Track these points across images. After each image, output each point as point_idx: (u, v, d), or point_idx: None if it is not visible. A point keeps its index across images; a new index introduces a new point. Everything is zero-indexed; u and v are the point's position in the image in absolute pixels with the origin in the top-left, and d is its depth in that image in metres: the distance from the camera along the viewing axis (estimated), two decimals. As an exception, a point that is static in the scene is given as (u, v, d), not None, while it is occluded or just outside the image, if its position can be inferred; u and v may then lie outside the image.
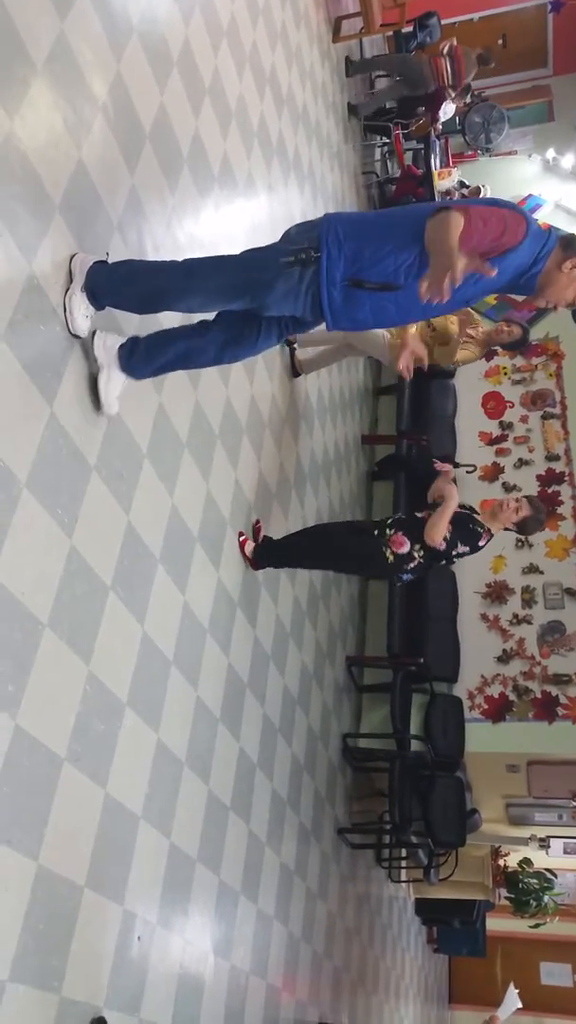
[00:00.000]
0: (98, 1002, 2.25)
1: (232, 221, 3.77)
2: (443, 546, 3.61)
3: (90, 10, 2.53)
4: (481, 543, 3.67)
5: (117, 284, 2.39)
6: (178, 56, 3.25)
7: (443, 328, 4.84)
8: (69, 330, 2.31)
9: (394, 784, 5.26)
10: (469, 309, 4.67)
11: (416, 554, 3.67)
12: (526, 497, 3.74)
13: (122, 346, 2.49)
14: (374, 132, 7.92)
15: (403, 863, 6.61)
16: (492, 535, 3.71)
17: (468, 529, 3.68)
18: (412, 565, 3.70)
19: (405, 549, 3.65)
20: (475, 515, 3.74)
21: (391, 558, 3.67)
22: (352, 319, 2.43)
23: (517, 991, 2.60)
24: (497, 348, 5.44)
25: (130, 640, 2.59)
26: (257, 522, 3.85)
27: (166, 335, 2.60)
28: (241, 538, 3.64)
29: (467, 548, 3.66)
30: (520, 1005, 2.36)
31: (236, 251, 2.51)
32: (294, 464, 4.70)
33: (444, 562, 3.79)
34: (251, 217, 4.07)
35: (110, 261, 2.43)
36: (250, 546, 3.68)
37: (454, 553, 3.68)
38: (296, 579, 4.53)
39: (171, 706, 2.82)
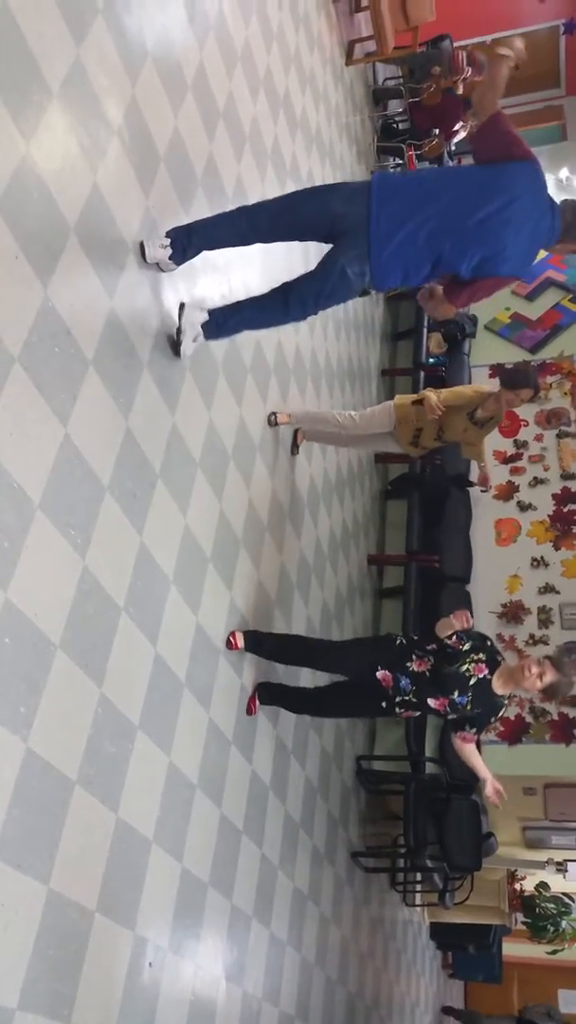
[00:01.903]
0: (108, 1030, 2.22)
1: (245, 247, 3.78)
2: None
3: (105, 35, 2.56)
4: (501, 714, 3.44)
5: (232, 330, 3.05)
6: (192, 80, 3.27)
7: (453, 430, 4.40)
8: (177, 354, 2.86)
9: (409, 807, 5.20)
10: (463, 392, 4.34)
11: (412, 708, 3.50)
12: (548, 658, 3.33)
13: (208, 323, 2.89)
14: (387, 153, 7.96)
15: (418, 887, 6.52)
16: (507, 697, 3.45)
17: (490, 701, 3.38)
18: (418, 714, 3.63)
19: (416, 715, 3.62)
20: (494, 666, 3.39)
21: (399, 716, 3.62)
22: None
23: None
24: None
25: (142, 662, 2.57)
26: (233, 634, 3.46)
27: (253, 317, 3.00)
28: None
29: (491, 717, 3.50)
30: None
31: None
32: (307, 483, 4.69)
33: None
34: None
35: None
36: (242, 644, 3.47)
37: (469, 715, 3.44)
38: (309, 602, 4.51)
39: (183, 728, 2.80)
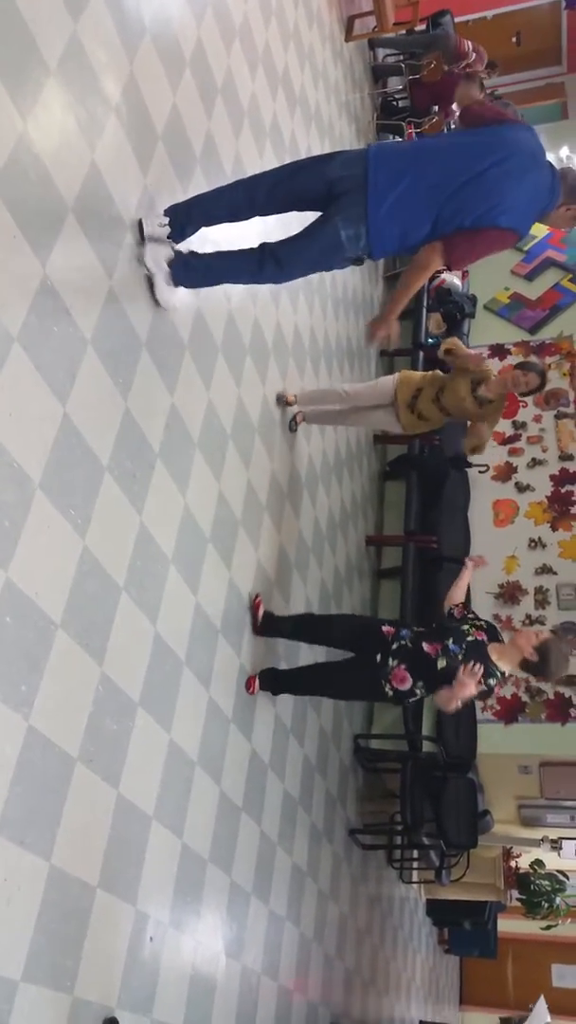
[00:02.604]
0: (111, 1002, 2.25)
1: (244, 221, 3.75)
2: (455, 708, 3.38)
3: (103, 11, 2.54)
4: (492, 682, 3.35)
5: (200, 278, 2.96)
6: (191, 56, 3.24)
7: (457, 407, 4.35)
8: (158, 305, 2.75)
9: (406, 785, 5.24)
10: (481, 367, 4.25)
11: (418, 690, 3.45)
12: (551, 630, 3.40)
13: (174, 261, 2.81)
14: (387, 131, 7.90)
15: (414, 864, 6.59)
16: (504, 677, 3.40)
17: (483, 659, 3.32)
18: (413, 700, 3.56)
19: (407, 686, 3.42)
20: (494, 639, 3.45)
21: (391, 693, 3.45)
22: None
23: (546, 1004, 2.58)
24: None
25: (142, 641, 2.59)
26: (256, 597, 3.68)
27: (222, 265, 2.94)
28: (256, 599, 3.60)
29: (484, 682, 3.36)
30: (548, 1019, 2.33)
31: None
32: (306, 464, 4.69)
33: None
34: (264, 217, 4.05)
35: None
36: (263, 611, 3.63)
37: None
38: (308, 582, 4.53)
39: (183, 707, 2.82)
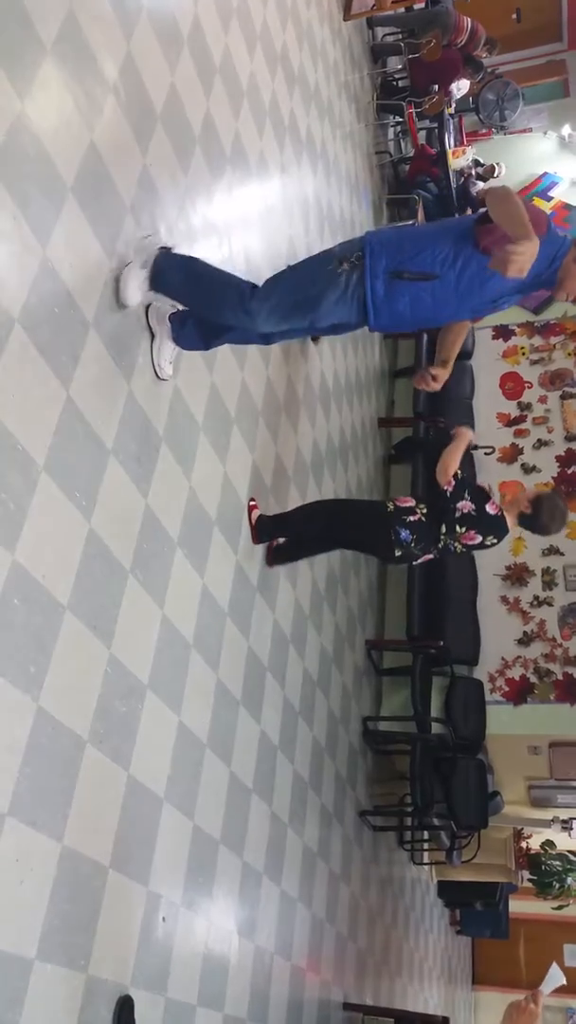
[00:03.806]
0: (124, 980, 2.27)
1: (245, 201, 3.74)
2: (451, 485, 3.48)
3: (99, -11, 2.51)
4: (490, 510, 3.47)
5: (180, 282, 2.66)
6: (188, 35, 3.21)
7: None
8: (118, 300, 2.48)
9: (415, 767, 5.25)
10: None
11: (419, 510, 3.55)
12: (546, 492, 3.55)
13: (173, 316, 2.73)
14: (387, 111, 7.83)
15: (425, 845, 6.62)
16: (502, 514, 3.53)
17: (476, 489, 3.55)
18: (412, 519, 3.53)
19: (409, 504, 3.56)
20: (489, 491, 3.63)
21: (391, 507, 3.55)
22: (392, 312, 2.57)
23: (559, 967, 2.61)
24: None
25: (150, 623, 2.59)
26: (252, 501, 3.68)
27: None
28: (251, 503, 3.62)
29: (472, 507, 3.48)
30: (564, 980, 2.36)
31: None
32: (311, 447, 4.68)
33: (448, 525, 3.53)
34: (265, 197, 4.04)
35: (175, 251, 2.68)
36: (256, 514, 3.63)
37: (457, 508, 3.48)
38: (315, 561, 4.52)
39: (192, 689, 2.83)
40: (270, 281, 2.66)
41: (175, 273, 2.62)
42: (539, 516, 3.47)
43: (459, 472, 3.57)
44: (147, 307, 2.68)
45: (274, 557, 3.74)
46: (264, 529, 3.63)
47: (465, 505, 3.50)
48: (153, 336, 2.70)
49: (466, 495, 3.52)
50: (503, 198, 2.32)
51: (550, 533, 3.65)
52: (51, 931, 1.95)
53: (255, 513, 3.62)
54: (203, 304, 2.69)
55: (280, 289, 2.61)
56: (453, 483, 3.52)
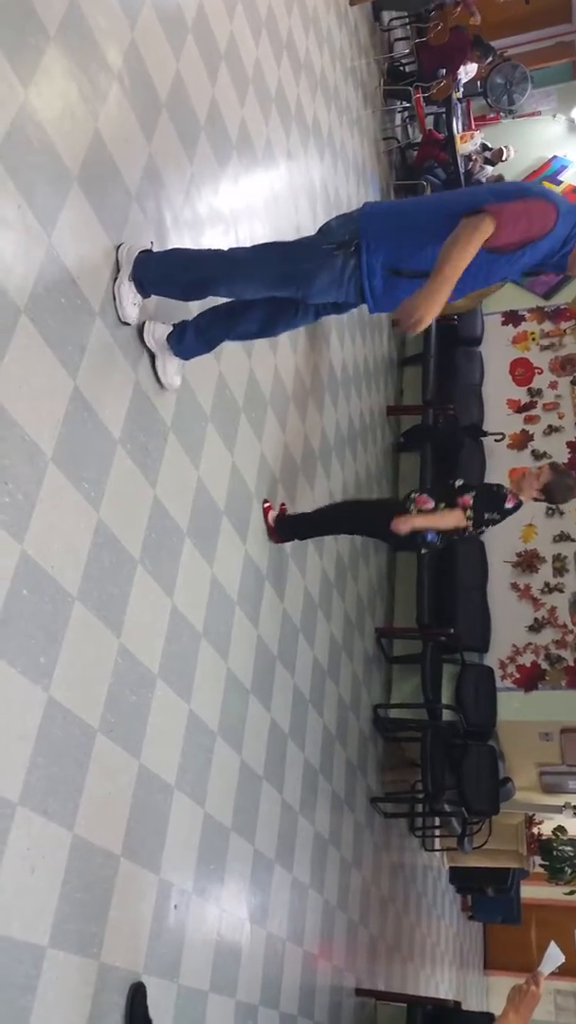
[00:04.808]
0: (137, 968, 2.28)
1: (252, 189, 3.72)
2: (468, 524, 3.57)
3: (102, -25, 2.49)
4: (509, 505, 3.54)
5: (163, 274, 2.53)
6: (193, 22, 3.19)
7: None
8: (119, 318, 2.45)
9: (426, 753, 5.26)
10: None
11: (440, 509, 3.61)
12: (549, 464, 3.59)
13: (170, 335, 2.65)
14: (394, 97, 7.77)
15: (436, 832, 6.64)
16: (520, 501, 3.58)
17: (492, 495, 3.59)
18: (431, 542, 3.64)
19: (429, 506, 3.60)
20: (500, 486, 3.65)
21: (412, 508, 3.61)
22: (393, 300, 2.47)
23: (558, 946, 2.60)
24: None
25: (159, 613, 2.59)
26: (282, 505, 3.83)
27: (210, 319, 2.74)
28: (265, 505, 3.64)
29: (496, 515, 3.56)
30: (563, 959, 2.36)
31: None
32: (319, 436, 4.67)
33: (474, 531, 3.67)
34: (271, 184, 4.02)
35: (155, 250, 2.56)
36: (273, 515, 3.67)
37: (485, 519, 3.57)
38: (324, 551, 4.52)
39: (202, 678, 2.84)
40: (264, 244, 2.62)
41: (157, 268, 2.51)
42: (553, 499, 3.55)
43: (473, 492, 3.58)
44: (140, 328, 2.59)
45: (279, 534, 3.73)
46: (285, 530, 3.70)
47: (490, 517, 3.59)
48: (154, 357, 2.65)
49: (488, 512, 3.57)
50: (462, 240, 2.18)
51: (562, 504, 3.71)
52: (63, 919, 1.96)
53: (271, 514, 3.65)
54: (193, 286, 2.58)
55: (272, 252, 2.54)
56: (470, 504, 3.56)
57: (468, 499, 3.55)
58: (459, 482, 3.66)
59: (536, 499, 3.58)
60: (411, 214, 2.46)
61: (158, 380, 2.68)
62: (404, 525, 3.53)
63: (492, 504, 3.57)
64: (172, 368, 2.73)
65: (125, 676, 2.34)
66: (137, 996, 2.22)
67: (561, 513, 6.61)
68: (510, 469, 7.00)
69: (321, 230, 2.47)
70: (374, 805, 5.16)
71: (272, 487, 3.75)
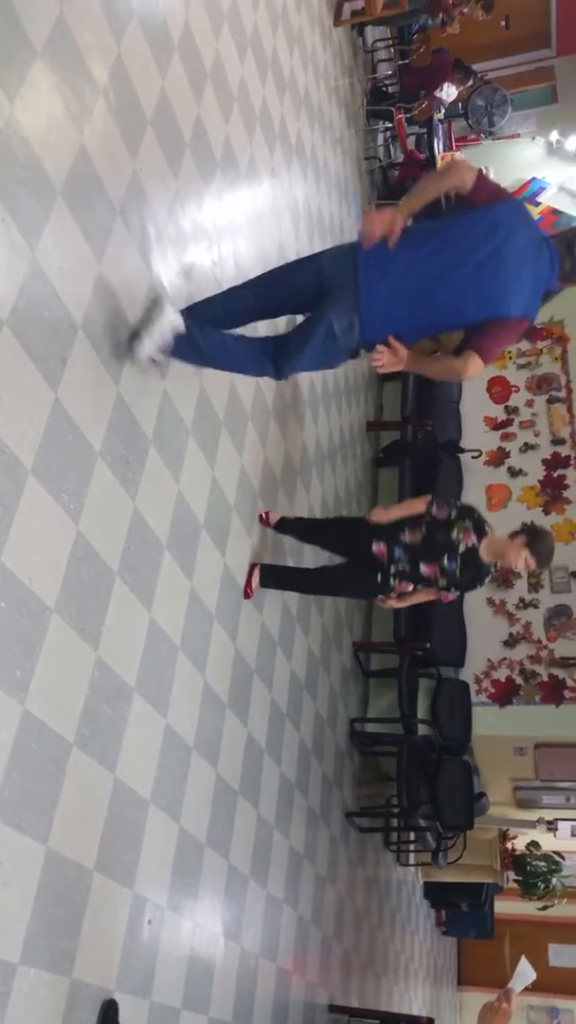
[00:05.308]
0: (109, 984, 2.27)
1: (235, 206, 3.75)
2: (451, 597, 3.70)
3: (89, -7, 2.51)
4: (486, 580, 3.68)
5: (198, 359, 2.84)
6: (179, 40, 3.22)
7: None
8: (132, 359, 2.59)
9: (402, 768, 5.28)
10: None
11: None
12: (521, 533, 3.49)
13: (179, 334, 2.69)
14: (376, 117, 7.86)
15: (411, 847, 6.64)
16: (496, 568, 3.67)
17: (477, 568, 3.55)
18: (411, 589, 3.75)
19: (409, 589, 3.71)
20: (481, 544, 3.54)
21: (393, 590, 3.72)
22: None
23: (529, 962, 2.59)
24: None
25: (137, 625, 2.59)
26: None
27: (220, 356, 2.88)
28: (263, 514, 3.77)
29: (476, 584, 3.65)
30: (534, 976, 2.36)
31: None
32: (299, 451, 4.69)
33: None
34: (255, 202, 4.05)
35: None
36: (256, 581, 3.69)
37: (461, 583, 3.62)
38: (302, 564, 4.53)
39: (179, 691, 2.83)
40: (285, 359, 2.82)
41: (192, 354, 2.78)
42: (543, 563, 3.52)
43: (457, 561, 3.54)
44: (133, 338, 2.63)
45: (262, 580, 3.74)
46: (266, 578, 3.73)
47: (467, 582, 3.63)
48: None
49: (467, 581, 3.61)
50: (447, 372, 2.93)
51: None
52: (35, 934, 1.95)
53: (255, 579, 3.66)
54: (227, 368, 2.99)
55: (301, 364, 2.89)
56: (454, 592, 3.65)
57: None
58: (441, 580, 3.60)
59: (529, 568, 3.54)
60: (409, 295, 2.66)
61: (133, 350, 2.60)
62: (384, 605, 3.73)
63: (476, 578, 3.60)
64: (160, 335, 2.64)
65: (102, 689, 2.33)
66: (109, 1013, 2.21)
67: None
68: (488, 485, 7.10)
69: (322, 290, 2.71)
70: (349, 820, 5.16)
71: (251, 502, 3.77)
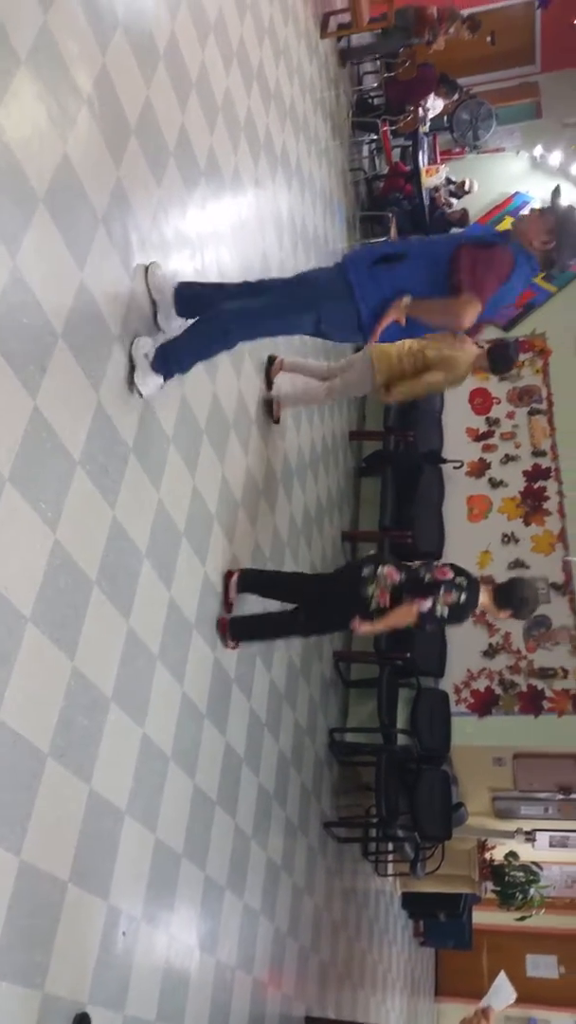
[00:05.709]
0: (82, 998, 2.25)
1: (219, 215, 3.76)
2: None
3: (74, 1, 2.52)
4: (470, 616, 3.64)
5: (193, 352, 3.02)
6: (164, 50, 3.23)
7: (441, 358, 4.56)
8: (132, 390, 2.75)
9: (380, 778, 5.27)
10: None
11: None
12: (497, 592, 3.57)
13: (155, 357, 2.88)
14: (362, 129, 7.91)
15: (389, 857, 6.63)
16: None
17: (460, 609, 3.51)
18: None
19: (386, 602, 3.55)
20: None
21: (373, 597, 3.53)
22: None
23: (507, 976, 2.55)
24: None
25: (115, 635, 2.58)
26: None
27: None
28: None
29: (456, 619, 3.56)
30: (514, 995, 2.33)
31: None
32: (281, 460, 4.69)
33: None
34: (239, 211, 4.06)
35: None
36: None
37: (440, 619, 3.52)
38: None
39: (157, 701, 2.82)
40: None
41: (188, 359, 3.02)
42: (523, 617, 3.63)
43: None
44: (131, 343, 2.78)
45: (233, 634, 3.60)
46: (237, 630, 3.58)
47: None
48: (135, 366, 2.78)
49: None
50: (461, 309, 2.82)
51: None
52: (7, 947, 1.93)
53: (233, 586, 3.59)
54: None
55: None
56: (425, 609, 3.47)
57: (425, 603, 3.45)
58: (427, 577, 3.50)
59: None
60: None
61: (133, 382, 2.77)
62: (364, 629, 3.55)
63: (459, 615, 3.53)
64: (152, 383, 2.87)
65: (78, 699, 2.32)
66: (81, 1027, 2.19)
67: (516, 540, 6.72)
68: (468, 496, 7.13)
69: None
70: (327, 830, 5.15)
71: (232, 511, 3.76)
